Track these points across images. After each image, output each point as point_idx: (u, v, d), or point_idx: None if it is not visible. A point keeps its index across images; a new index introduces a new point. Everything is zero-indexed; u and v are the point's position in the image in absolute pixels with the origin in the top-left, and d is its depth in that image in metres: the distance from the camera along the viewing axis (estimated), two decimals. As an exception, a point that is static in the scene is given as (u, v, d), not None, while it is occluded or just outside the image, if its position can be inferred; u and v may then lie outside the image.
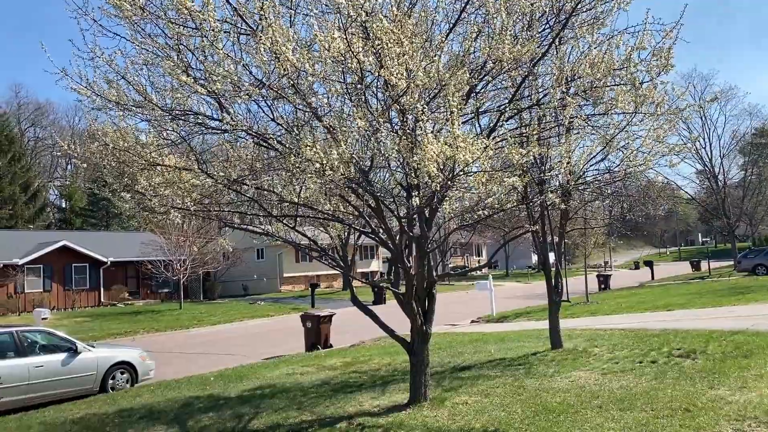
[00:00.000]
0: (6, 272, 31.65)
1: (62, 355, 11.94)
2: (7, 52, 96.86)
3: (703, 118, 50.76)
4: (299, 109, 6.64)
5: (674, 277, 40.30)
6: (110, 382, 12.46)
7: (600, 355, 10.84)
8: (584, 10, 7.48)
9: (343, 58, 5.51)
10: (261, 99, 6.68)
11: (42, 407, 10.85)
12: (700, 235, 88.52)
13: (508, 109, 7.42)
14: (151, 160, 7.20)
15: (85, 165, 8.46)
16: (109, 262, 35.97)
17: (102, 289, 36.24)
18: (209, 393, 10.66)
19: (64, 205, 62.37)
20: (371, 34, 5.34)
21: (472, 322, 22.50)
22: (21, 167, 52.60)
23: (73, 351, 12.10)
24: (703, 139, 50.97)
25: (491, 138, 6.38)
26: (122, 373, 12.73)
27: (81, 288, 35.49)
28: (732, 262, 42.29)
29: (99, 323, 26.93)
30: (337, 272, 45.67)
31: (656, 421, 6.54)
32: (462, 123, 6.71)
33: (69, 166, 66.68)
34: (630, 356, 10.44)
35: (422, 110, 5.53)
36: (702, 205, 58.44)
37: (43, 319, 24.76)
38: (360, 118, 5.65)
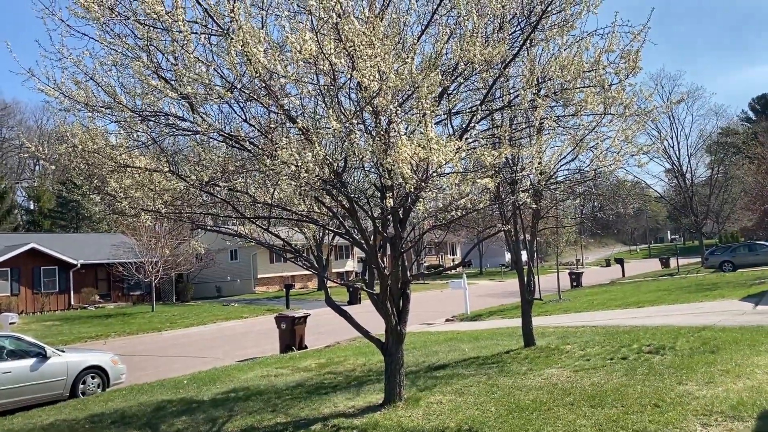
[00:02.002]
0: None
1: (31, 361, 11.69)
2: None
3: (671, 118, 52.06)
4: (272, 111, 6.61)
5: (644, 274, 41.04)
6: (81, 387, 12.26)
7: (572, 353, 10.99)
8: (554, 12, 7.58)
9: (315, 60, 5.50)
10: (233, 101, 6.64)
11: (10, 414, 10.63)
12: (669, 232, 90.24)
13: (480, 110, 7.48)
14: (121, 162, 7.10)
15: (53, 167, 8.31)
16: (79, 265, 35.30)
17: (72, 292, 35.56)
18: (182, 396, 10.55)
19: (32, 207, 61.01)
20: (343, 36, 5.35)
21: (447, 320, 22.63)
22: (-14, 168, 51.43)
23: (42, 356, 11.87)
24: (672, 139, 52.16)
25: (464, 139, 6.44)
26: (93, 378, 12.53)
27: (50, 291, 34.77)
28: (700, 259, 43.23)
29: (69, 327, 26.42)
30: (312, 272, 45.31)
31: (626, 417, 6.65)
32: (435, 124, 6.75)
33: (37, 167, 65.22)
34: (601, 353, 10.60)
35: (395, 112, 5.55)
36: (670, 203, 59.72)
37: (10, 323, 24.22)
38: (334, 120, 5.65)
